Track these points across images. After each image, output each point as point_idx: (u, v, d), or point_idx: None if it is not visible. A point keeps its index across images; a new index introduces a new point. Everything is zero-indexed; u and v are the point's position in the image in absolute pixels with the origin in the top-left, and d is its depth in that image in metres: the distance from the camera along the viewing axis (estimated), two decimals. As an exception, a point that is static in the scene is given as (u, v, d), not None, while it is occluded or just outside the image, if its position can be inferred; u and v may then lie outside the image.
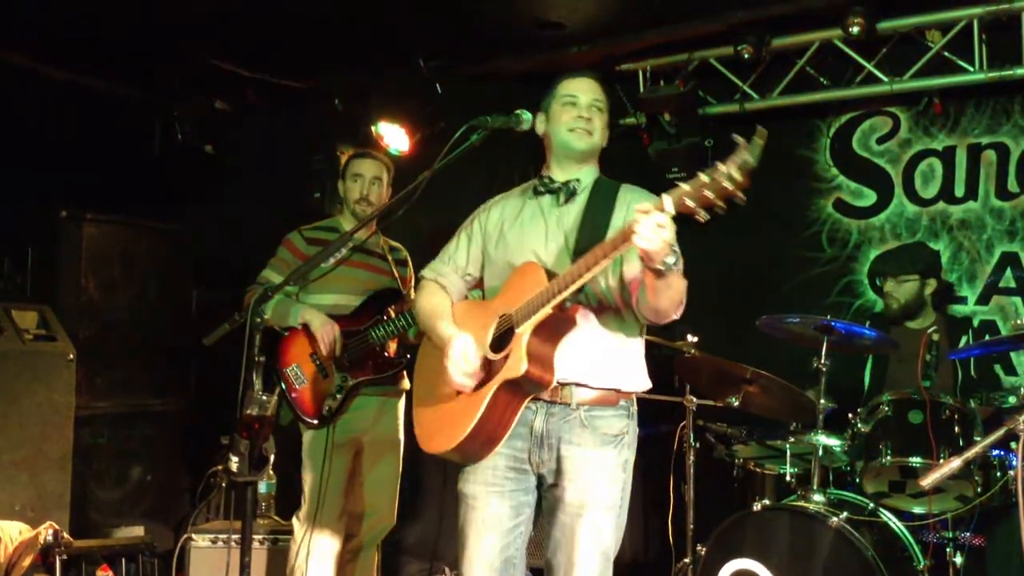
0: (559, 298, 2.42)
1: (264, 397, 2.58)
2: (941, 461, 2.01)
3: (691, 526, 4.02)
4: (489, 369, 2.55)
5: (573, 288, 2.41)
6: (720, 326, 4.73)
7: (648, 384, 2.74)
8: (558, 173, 2.74)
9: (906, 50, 4.72)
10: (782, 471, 3.87)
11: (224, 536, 3.85)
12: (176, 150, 5.61)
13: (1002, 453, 3.42)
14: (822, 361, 3.64)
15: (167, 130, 5.59)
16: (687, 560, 3.87)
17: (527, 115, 2.75)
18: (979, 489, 3.47)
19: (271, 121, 5.78)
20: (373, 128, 5.19)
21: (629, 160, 4.50)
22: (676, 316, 2.57)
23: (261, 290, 2.65)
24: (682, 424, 4.22)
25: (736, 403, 3.97)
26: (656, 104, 5.19)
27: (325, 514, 3.58)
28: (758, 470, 4.12)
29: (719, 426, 4.40)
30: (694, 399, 4.14)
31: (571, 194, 2.70)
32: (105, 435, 4.82)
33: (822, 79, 4.95)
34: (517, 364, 2.44)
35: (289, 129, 5.64)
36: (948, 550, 3.65)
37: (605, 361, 2.61)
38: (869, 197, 5.03)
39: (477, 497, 2.63)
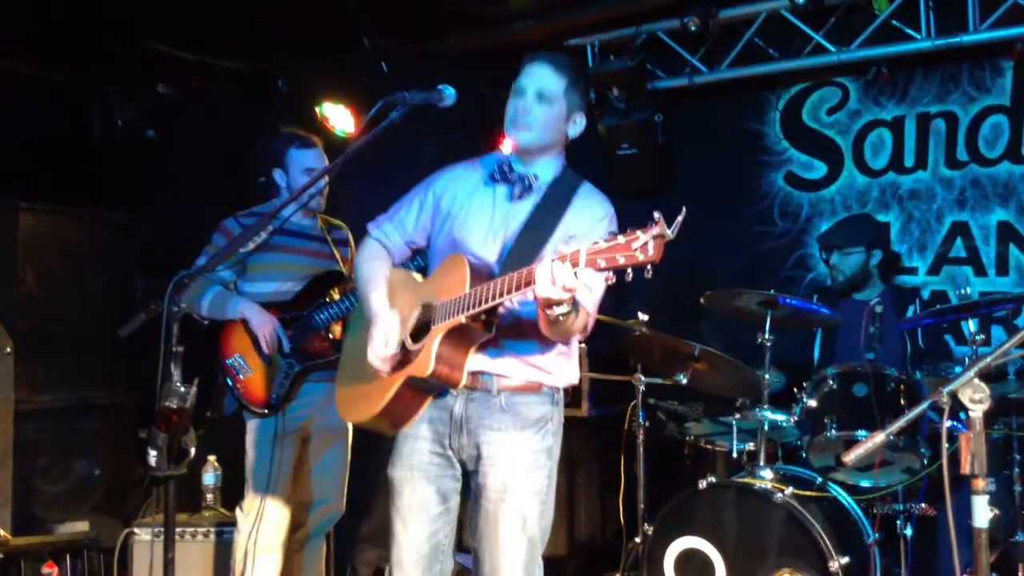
0: (471, 312, 2.34)
1: (183, 389, 2.49)
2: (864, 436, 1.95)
3: (641, 505, 3.98)
4: (405, 356, 2.49)
5: (485, 307, 2.33)
6: (673, 304, 4.69)
7: (574, 378, 2.68)
8: (518, 162, 2.65)
9: (853, 19, 4.67)
10: (732, 448, 3.84)
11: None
12: (117, 136, 5.47)
13: (953, 424, 3.40)
14: (766, 336, 3.61)
15: (107, 116, 5.45)
16: (637, 540, 3.84)
17: (450, 90, 2.66)
18: (925, 461, 3.45)
19: (215, 106, 5.65)
20: (318, 109, 5.09)
21: (580, 137, 4.45)
22: (578, 339, 2.56)
23: (178, 278, 2.57)
24: (632, 403, 4.18)
25: (684, 380, 3.93)
26: (605, 80, 5.12)
27: (271, 504, 3.51)
28: (709, 447, 4.09)
29: (671, 404, 4.37)
30: (642, 378, 4.09)
31: (526, 189, 2.60)
32: (49, 429, 4.71)
33: (770, 51, 4.90)
34: (425, 364, 2.40)
35: (233, 113, 5.52)
36: (898, 522, 3.64)
37: (529, 357, 2.56)
38: (820, 169, 4.99)
39: (404, 482, 2.60)
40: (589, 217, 2.55)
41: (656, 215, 2.00)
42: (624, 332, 4.14)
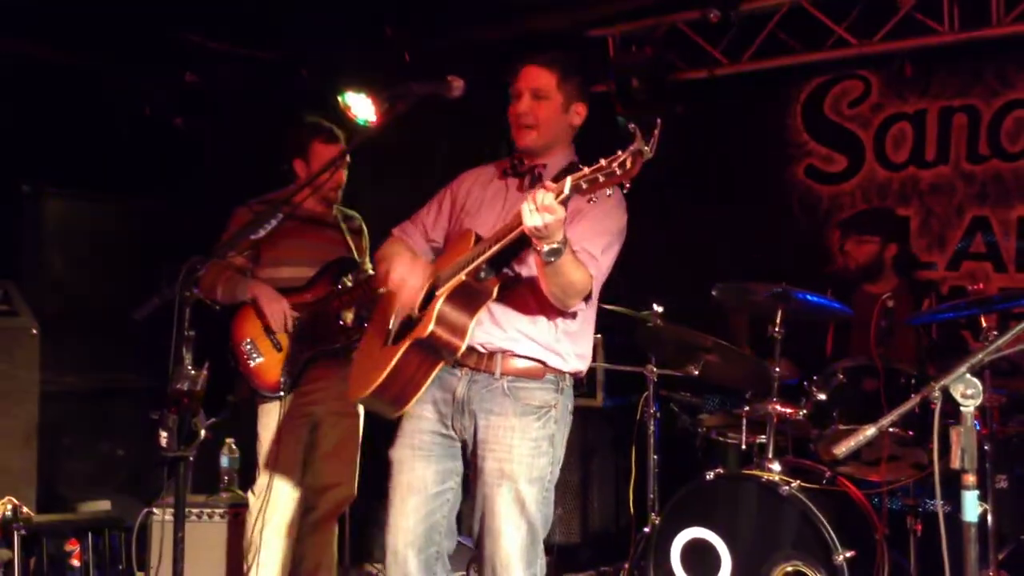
0: (471, 267, 2.43)
1: (193, 371, 2.55)
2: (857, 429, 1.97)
3: (651, 496, 4.01)
4: (413, 327, 2.54)
5: (482, 259, 2.41)
6: (685, 294, 4.71)
7: (582, 365, 2.70)
8: (527, 157, 2.72)
9: (876, 12, 4.64)
10: (742, 440, 3.84)
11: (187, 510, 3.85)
12: (145, 124, 5.56)
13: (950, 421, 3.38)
14: (777, 329, 3.61)
15: (135, 104, 5.54)
16: (646, 530, 3.86)
17: (459, 81, 2.70)
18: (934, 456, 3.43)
19: (242, 94, 5.72)
20: (340, 98, 5.14)
21: (601, 128, 4.46)
22: (576, 305, 2.54)
23: (190, 263, 2.63)
24: (645, 394, 4.19)
25: (696, 372, 3.94)
26: (626, 71, 5.12)
27: (281, 487, 3.57)
28: (720, 439, 4.10)
29: (684, 395, 4.38)
30: (655, 369, 4.11)
31: (536, 179, 2.66)
32: (74, 411, 4.82)
33: (792, 43, 4.87)
34: (426, 325, 2.45)
35: (260, 102, 5.59)
36: (909, 518, 3.63)
37: (534, 332, 2.58)
38: (840, 163, 4.96)
39: (403, 461, 2.65)
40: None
41: (631, 127, 2.05)
42: (639, 323, 4.15)
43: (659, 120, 2.11)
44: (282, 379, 3.58)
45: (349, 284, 3.69)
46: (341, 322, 3.68)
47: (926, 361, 3.91)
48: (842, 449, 1.98)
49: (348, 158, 3.69)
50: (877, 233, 4.16)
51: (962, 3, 4.44)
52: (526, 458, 2.56)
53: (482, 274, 2.45)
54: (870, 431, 1.97)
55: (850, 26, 4.70)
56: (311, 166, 3.75)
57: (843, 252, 4.28)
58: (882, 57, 4.75)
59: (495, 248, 2.40)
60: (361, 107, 5.21)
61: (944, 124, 4.70)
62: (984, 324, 3.40)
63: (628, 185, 2.10)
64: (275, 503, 3.59)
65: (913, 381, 3.49)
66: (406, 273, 2.57)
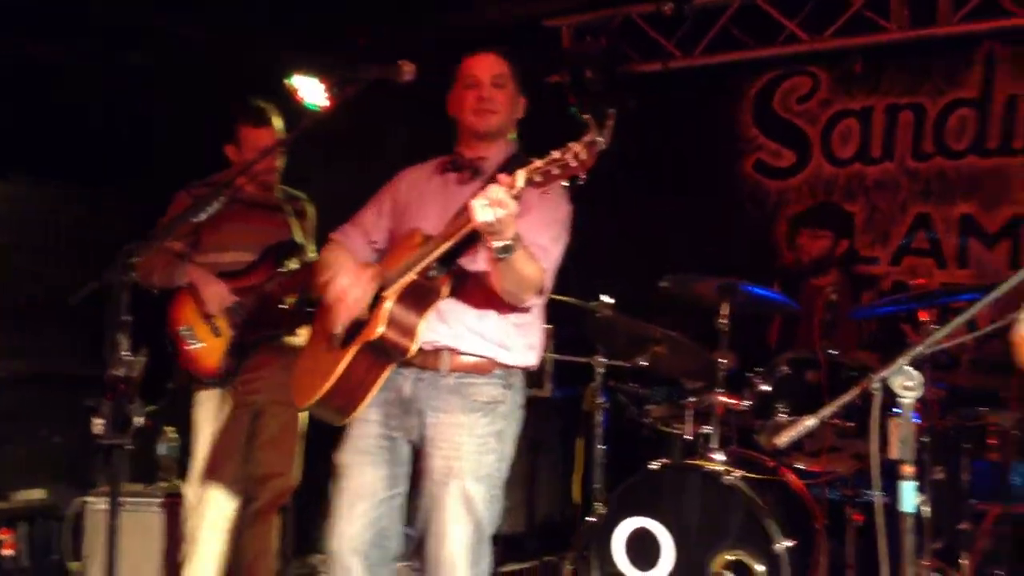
0: (420, 266, 2.40)
1: (130, 358, 2.49)
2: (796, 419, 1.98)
3: (596, 486, 4.01)
4: (361, 330, 2.50)
5: (432, 258, 2.38)
6: (634, 286, 4.72)
7: (533, 359, 2.67)
8: (467, 150, 2.70)
9: (827, 9, 4.71)
10: (687, 431, 3.86)
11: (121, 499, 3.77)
12: (89, 108, 5.41)
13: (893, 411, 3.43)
14: (724, 321, 3.63)
15: (80, 88, 5.39)
16: (591, 519, 3.86)
17: (409, 66, 2.66)
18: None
19: (190, 76, 5.59)
20: (287, 81, 5.05)
21: (554, 119, 4.45)
22: (530, 300, 2.52)
23: (126, 248, 2.56)
24: (592, 384, 4.19)
25: (645, 363, 3.95)
26: (580, 61, 5.12)
27: (218, 477, 3.51)
28: (667, 429, 4.11)
29: (632, 386, 4.39)
30: (603, 360, 4.11)
31: (474, 173, 2.64)
32: (10, 397, 4.68)
33: (744, 38, 4.91)
34: (375, 327, 2.41)
35: (208, 84, 5.47)
36: (848, 508, 3.68)
37: (481, 327, 2.54)
38: (788, 158, 5.02)
39: (350, 466, 2.58)
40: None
41: (586, 118, 2.05)
42: (588, 314, 4.15)
43: (613, 110, 2.10)
44: (222, 365, 3.51)
45: (291, 268, 3.62)
46: (283, 307, 3.62)
47: (867, 354, 3.99)
48: (783, 439, 1.99)
49: (285, 143, 3.62)
50: (832, 228, 4.20)
51: (912, 1, 4.50)
52: (473, 455, 2.51)
53: (432, 272, 2.42)
54: (811, 422, 1.99)
55: (801, 22, 4.75)
56: (242, 150, 3.68)
57: (794, 246, 4.32)
58: (832, 54, 4.81)
59: (445, 246, 2.37)
60: (310, 90, 5.13)
61: (890, 121, 4.77)
62: (924, 318, 3.46)
63: (584, 177, 2.08)
64: (213, 493, 3.52)
65: (855, 373, 3.54)
66: (349, 280, 2.52)
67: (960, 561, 3.58)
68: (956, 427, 3.73)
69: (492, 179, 2.36)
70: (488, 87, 2.63)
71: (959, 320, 1.98)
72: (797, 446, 3.62)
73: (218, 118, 5.38)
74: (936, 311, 3.56)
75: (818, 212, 4.45)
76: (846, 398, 2.01)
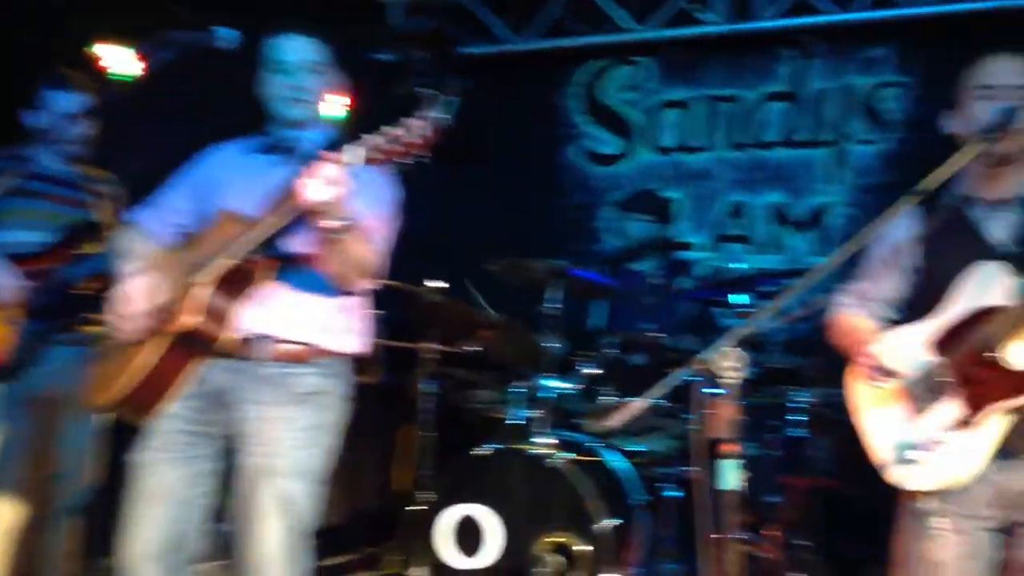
0: (240, 249, 2.24)
1: None
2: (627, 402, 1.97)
3: (421, 474, 3.94)
4: (169, 320, 2.31)
5: (253, 240, 2.24)
6: (463, 271, 4.68)
7: (359, 345, 2.54)
8: (283, 131, 2.52)
9: (653, 0, 4.80)
10: (515, 415, 3.86)
11: None
12: None
13: (712, 390, 3.55)
14: (553, 305, 3.64)
15: None
16: (414, 508, 3.79)
17: (223, 31, 2.48)
18: (693, 427, 3.58)
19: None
20: (89, 49, 4.67)
21: (383, 99, 4.33)
22: (361, 283, 2.42)
23: None
24: (420, 371, 4.12)
25: (474, 349, 3.92)
26: (410, 41, 5.01)
27: (4, 479, 3.20)
28: (494, 415, 4.09)
29: (460, 372, 4.35)
30: (431, 345, 4.04)
31: (292, 152, 2.47)
32: None
33: (574, 25, 4.95)
34: (189, 316, 2.24)
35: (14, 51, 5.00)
36: (666, 485, 3.77)
37: (302, 314, 2.40)
38: (614, 145, 5.11)
39: (148, 466, 2.38)
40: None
41: (429, 93, 1.98)
42: (418, 299, 4.07)
43: (459, 86, 2.03)
44: (12, 358, 3.19)
45: (91, 251, 3.33)
46: (82, 293, 3.32)
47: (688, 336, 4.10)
48: (613, 422, 1.99)
49: (89, 112, 3.33)
50: (653, 213, 4.29)
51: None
52: (292, 451, 2.37)
53: (253, 256, 2.26)
54: (639, 403, 1.99)
55: (629, 12, 4.83)
56: (45, 116, 3.36)
57: (620, 231, 4.38)
58: (656, 44, 4.92)
59: (267, 227, 2.22)
60: (117, 59, 4.77)
61: (710, 111, 4.94)
62: (741, 302, 3.59)
63: (427, 155, 1.98)
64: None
65: (677, 356, 3.63)
66: (152, 268, 2.34)
67: (769, 533, 3.75)
68: (766, 405, 3.90)
69: (313, 158, 2.23)
70: (300, 74, 2.45)
71: (778, 303, 2.03)
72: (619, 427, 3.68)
73: (16, 84, 4.93)
74: (751, 295, 3.71)
75: (642, 198, 4.54)
76: (673, 379, 2.02)
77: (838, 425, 3.88)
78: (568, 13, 4.91)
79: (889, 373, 2.14)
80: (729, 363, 1.97)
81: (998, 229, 2.22)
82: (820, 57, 4.70)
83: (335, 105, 2.61)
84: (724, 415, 1.97)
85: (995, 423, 2.04)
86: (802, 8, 4.52)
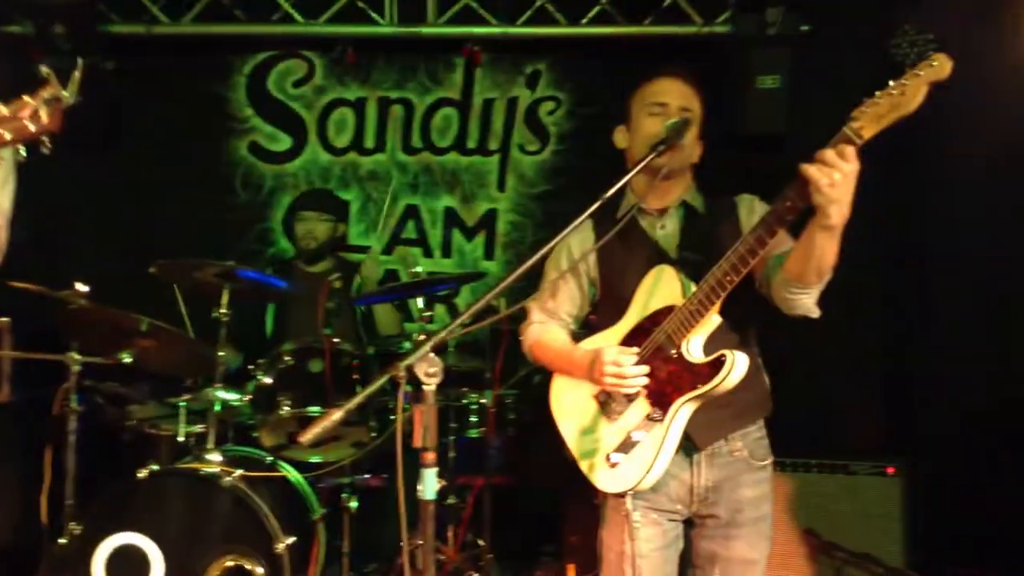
0: None
1: None
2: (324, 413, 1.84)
3: (70, 501, 3.48)
4: None
5: None
6: (116, 273, 4.23)
7: None
8: None
9: (323, -7, 4.66)
10: (179, 431, 3.54)
11: None
12: None
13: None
14: (223, 310, 3.37)
15: None
16: (62, 540, 3.34)
17: None
18: (374, 434, 3.51)
19: None
20: None
21: (19, 75, 3.78)
22: None
23: None
24: (65, 385, 3.64)
25: (129, 359, 3.52)
26: (47, 14, 4.44)
27: None
28: (153, 432, 3.72)
29: (111, 385, 3.92)
30: (78, 356, 3.58)
31: None
32: None
33: (238, 12, 4.66)
34: None
35: None
36: (344, 495, 3.66)
37: None
38: (284, 142, 4.90)
39: None
40: None
41: (45, 71, 1.70)
42: (58, 304, 3.59)
43: (81, 63, 1.78)
44: None
45: None
46: None
47: (366, 341, 4.02)
48: (309, 436, 1.85)
49: None
50: (333, 213, 4.14)
51: (402, -1, 4.64)
52: None
53: None
54: (337, 414, 1.87)
55: (296, 4, 4.65)
56: None
57: (298, 232, 4.15)
58: (325, 40, 4.78)
59: None
60: None
61: (382, 114, 4.89)
62: (420, 305, 3.57)
63: (49, 144, 1.71)
64: None
65: (355, 362, 3.53)
66: None
67: (447, 534, 3.77)
68: (443, 407, 3.93)
69: None
70: None
71: (475, 308, 2.01)
72: (296, 438, 3.51)
73: None
74: (427, 299, 3.70)
75: (318, 197, 4.38)
76: (374, 386, 1.93)
77: (511, 424, 4.01)
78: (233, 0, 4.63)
79: (631, 378, 2.19)
80: (429, 368, 1.91)
81: (665, 235, 2.38)
82: (487, 67, 4.83)
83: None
84: (423, 422, 1.90)
85: (681, 419, 2.17)
86: (469, 17, 4.61)
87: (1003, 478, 3.96)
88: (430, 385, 1.89)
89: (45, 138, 1.75)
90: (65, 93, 1.74)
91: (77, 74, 1.77)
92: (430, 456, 1.90)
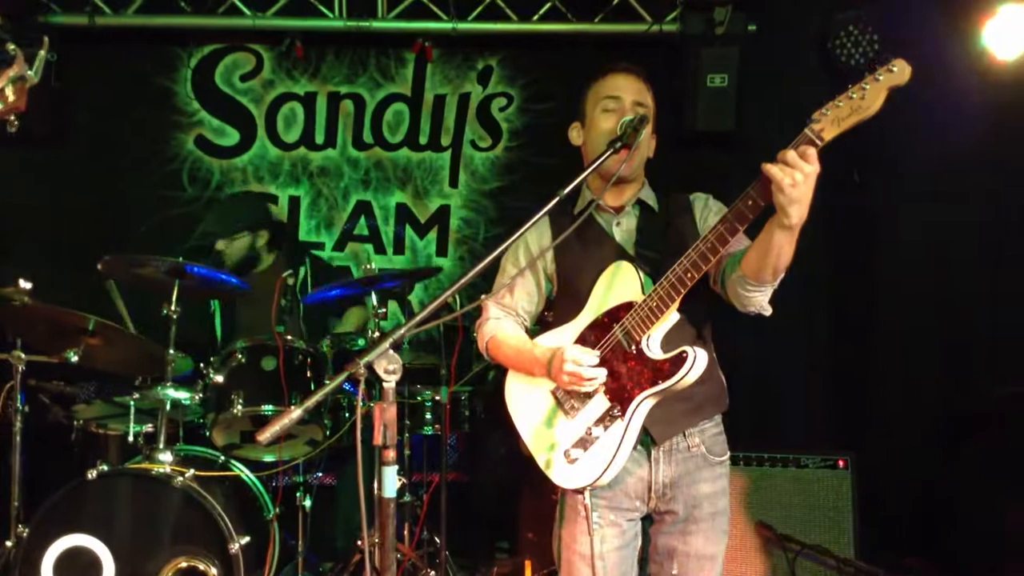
0: None
1: None
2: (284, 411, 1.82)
3: (16, 503, 3.40)
4: None
5: None
6: (60, 269, 4.15)
7: None
8: None
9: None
10: (128, 431, 3.48)
11: None
12: None
13: (354, 390, 3.46)
14: (172, 308, 3.32)
15: None
16: (9, 544, 3.27)
17: None
18: (328, 432, 3.49)
19: None
20: None
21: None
22: None
23: None
24: (9, 385, 3.55)
25: (75, 358, 3.45)
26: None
27: None
28: (101, 432, 3.66)
29: (56, 384, 3.84)
30: (22, 355, 3.49)
31: None
32: None
33: (183, 4, 4.58)
34: None
35: None
36: (298, 494, 3.64)
37: None
38: (232, 136, 4.83)
39: None
40: None
41: (12, 48, 1.69)
42: (1, 302, 3.50)
43: (47, 41, 1.74)
44: None
45: None
46: None
47: (321, 339, 3.98)
48: (267, 435, 1.82)
49: None
50: (244, 227, 4.04)
51: (352, -8, 4.60)
52: None
53: None
54: (295, 413, 1.84)
55: (247, -5, 4.58)
56: None
57: (214, 253, 4.05)
58: (272, 33, 4.72)
59: None
60: None
61: (332, 109, 4.85)
62: (374, 302, 3.54)
63: (16, 123, 1.67)
64: None
65: (309, 360, 3.50)
66: None
67: (403, 532, 3.76)
68: (399, 404, 3.90)
69: None
70: None
71: (434, 304, 2.00)
72: (251, 437, 3.47)
73: None
74: (381, 294, 3.68)
75: (223, 218, 4.24)
76: (334, 384, 1.91)
77: (466, 421, 4.01)
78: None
79: (590, 378, 2.20)
80: (388, 365, 1.89)
81: (622, 232, 2.39)
82: (439, 63, 4.81)
83: None
84: (385, 420, 1.89)
85: (640, 415, 2.19)
86: (419, 12, 4.59)
87: (949, 471, 4.09)
88: (390, 382, 1.88)
89: (13, 117, 1.72)
90: (31, 72, 1.71)
91: (43, 53, 1.74)
92: (390, 454, 1.88)
